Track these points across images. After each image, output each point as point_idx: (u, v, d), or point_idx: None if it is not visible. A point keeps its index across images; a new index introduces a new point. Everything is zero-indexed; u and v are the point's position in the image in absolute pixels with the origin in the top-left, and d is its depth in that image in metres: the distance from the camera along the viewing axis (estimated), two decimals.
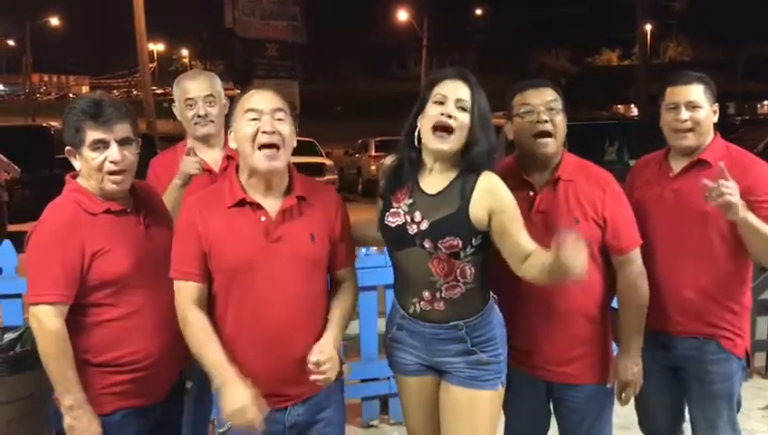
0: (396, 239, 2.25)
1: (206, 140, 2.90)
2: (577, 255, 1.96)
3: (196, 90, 2.87)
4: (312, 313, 2.14)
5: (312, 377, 2.07)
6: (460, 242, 2.15)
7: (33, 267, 2.11)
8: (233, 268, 2.07)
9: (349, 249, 2.28)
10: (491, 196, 2.16)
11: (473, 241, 2.16)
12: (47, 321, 2.05)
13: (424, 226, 2.18)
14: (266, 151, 2.07)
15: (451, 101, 2.16)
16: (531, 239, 2.18)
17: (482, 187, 2.16)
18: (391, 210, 2.25)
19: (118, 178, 2.14)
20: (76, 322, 2.11)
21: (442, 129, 2.15)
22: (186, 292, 2.10)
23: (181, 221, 2.14)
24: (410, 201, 2.23)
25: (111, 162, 2.12)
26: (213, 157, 2.89)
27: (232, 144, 2.17)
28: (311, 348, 2.10)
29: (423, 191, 2.23)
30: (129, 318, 2.16)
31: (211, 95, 2.87)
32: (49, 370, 2.07)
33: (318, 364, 2.06)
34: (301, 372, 2.11)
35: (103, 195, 2.17)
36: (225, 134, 2.93)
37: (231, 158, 2.86)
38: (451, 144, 2.16)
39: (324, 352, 2.07)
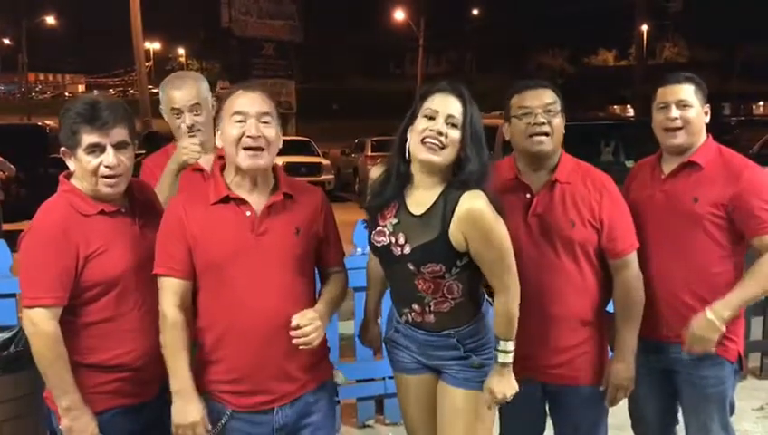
0: (383, 258, 2.27)
1: None
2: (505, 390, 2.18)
3: (182, 100, 2.78)
4: (297, 306, 2.12)
5: (294, 340, 2.04)
6: (443, 267, 2.13)
7: (27, 270, 2.10)
8: (218, 262, 2.08)
9: (336, 248, 2.29)
10: (465, 222, 2.09)
11: (457, 263, 2.14)
12: (42, 324, 2.04)
13: (407, 250, 2.16)
14: (250, 151, 2.07)
15: (441, 117, 2.11)
16: (506, 277, 2.15)
17: (462, 209, 2.09)
18: (377, 229, 2.24)
19: (112, 181, 2.13)
20: (67, 322, 2.10)
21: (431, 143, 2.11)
22: (169, 289, 2.10)
23: (166, 218, 2.15)
24: (395, 221, 2.20)
25: (107, 166, 2.11)
26: (206, 159, 2.85)
27: (218, 142, 2.17)
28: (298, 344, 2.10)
29: (408, 211, 2.19)
30: (120, 319, 2.15)
31: (197, 104, 2.78)
32: (44, 372, 2.06)
33: (298, 327, 2.03)
34: (287, 369, 2.12)
35: (97, 197, 2.16)
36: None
37: (223, 157, 2.86)
38: (442, 157, 2.11)
39: (306, 316, 2.05)
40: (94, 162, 2.11)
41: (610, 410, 2.54)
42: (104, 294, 2.13)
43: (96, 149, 2.10)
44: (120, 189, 2.17)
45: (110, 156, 2.11)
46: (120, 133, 2.13)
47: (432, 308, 2.21)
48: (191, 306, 2.13)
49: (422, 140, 2.11)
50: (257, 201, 2.13)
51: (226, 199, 2.11)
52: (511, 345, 2.18)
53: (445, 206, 2.12)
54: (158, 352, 2.18)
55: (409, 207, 2.19)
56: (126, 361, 2.16)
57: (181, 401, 2.06)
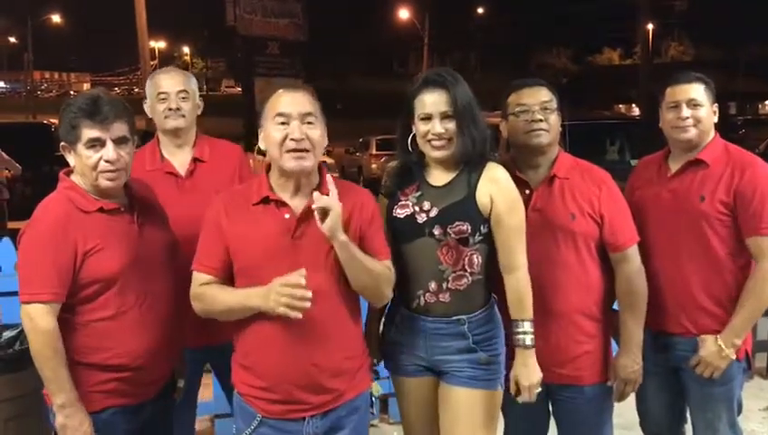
0: (404, 230, 2.27)
1: (175, 134, 2.77)
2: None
3: (169, 85, 2.76)
4: (335, 313, 2.07)
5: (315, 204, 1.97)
6: (469, 227, 2.19)
7: (25, 266, 2.09)
8: (253, 264, 2.04)
9: (378, 244, 2.15)
10: (493, 184, 2.22)
11: (481, 228, 2.20)
12: (40, 319, 2.03)
13: (433, 213, 2.23)
14: (294, 153, 2.04)
15: (437, 118, 2.20)
16: (519, 255, 2.22)
17: (487, 176, 2.23)
18: (399, 203, 2.29)
19: (112, 174, 2.12)
20: (66, 320, 2.09)
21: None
22: (202, 281, 2.09)
23: (207, 217, 2.13)
24: (419, 193, 2.28)
25: (107, 161, 2.10)
26: (181, 159, 2.78)
27: (261, 145, 2.14)
28: (332, 354, 2.06)
29: (430, 184, 2.28)
30: (119, 317, 2.14)
31: (184, 90, 2.77)
32: (41, 368, 2.06)
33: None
34: (319, 380, 2.06)
35: (97, 192, 2.15)
36: (196, 136, 2.83)
37: (199, 160, 2.78)
38: (450, 151, 2.22)
39: (323, 199, 1.97)
40: (94, 157, 2.10)
41: (617, 409, 2.54)
42: (102, 292, 2.12)
43: (96, 143, 2.10)
44: (119, 184, 2.16)
45: (110, 150, 2.10)
46: (120, 128, 2.12)
47: (449, 284, 2.22)
48: None
49: (428, 142, 2.22)
50: (299, 204, 2.09)
51: (267, 200, 2.09)
52: (529, 326, 2.23)
53: (469, 174, 2.24)
54: (157, 350, 2.18)
55: (431, 182, 2.28)
56: (125, 361, 2.15)
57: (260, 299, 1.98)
